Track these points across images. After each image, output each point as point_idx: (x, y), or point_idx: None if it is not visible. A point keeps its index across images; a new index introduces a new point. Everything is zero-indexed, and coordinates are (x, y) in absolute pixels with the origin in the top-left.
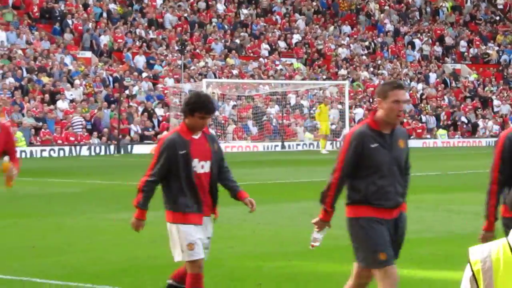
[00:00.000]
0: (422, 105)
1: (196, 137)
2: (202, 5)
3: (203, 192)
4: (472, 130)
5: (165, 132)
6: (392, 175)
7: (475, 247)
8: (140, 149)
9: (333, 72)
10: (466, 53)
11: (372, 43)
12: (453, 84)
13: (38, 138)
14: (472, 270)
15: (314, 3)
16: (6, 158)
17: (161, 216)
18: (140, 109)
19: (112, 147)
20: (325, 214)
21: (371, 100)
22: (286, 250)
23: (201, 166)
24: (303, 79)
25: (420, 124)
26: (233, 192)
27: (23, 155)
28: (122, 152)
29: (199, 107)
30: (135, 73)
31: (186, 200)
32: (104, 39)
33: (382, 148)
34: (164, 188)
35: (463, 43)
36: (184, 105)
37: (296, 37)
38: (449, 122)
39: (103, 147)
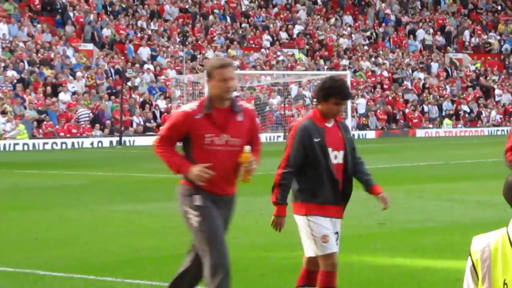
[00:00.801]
0: (424, 95)
1: (329, 125)
2: None
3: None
4: (475, 120)
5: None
6: None
7: (479, 237)
8: (143, 141)
9: (335, 63)
10: (467, 43)
11: (374, 33)
12: (455, 74)
13: (40, 131)
14: (472, 260)
15: None
16: (248, 148)
17: (165, 208)
18: (142, 100)
19: (114, 139)
20: None
21: (373, 90)
22: (290, 240)
23: (334, 156)
24: (305, 70)
25: (417, 114)
26: (366, 186)
27: (26, 147)
28: (124, 144)
29: (335, 92)
30: (137, 65)
31: (325, 191)
32: (106, 31)
33: None
34: (299, 179)
35: (465, 32)
36: (318, 90)
37: (298, 28)
38: (451, 112)
39: (105, 140)
